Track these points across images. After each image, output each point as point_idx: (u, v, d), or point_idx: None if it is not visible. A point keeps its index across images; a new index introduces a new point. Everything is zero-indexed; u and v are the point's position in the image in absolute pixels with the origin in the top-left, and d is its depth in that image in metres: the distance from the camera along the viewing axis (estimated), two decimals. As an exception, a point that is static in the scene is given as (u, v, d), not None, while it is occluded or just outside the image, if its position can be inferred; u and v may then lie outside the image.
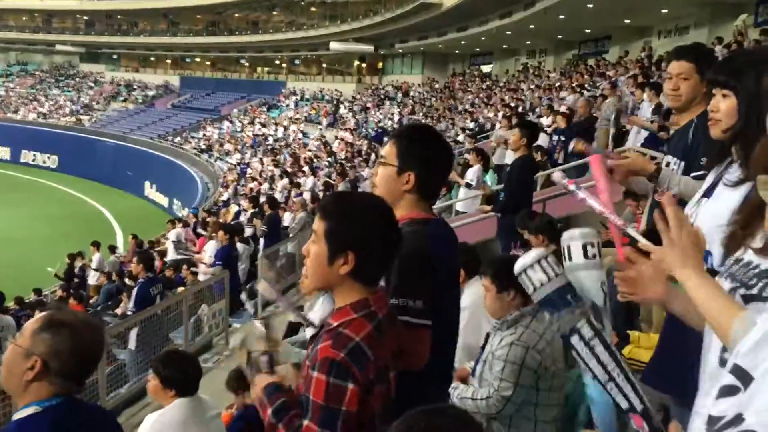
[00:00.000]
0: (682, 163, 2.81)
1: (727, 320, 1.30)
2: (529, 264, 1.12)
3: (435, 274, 2.16)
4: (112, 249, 16.52)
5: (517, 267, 1.13)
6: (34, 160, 41.45)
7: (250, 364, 2.23)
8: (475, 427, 1.23)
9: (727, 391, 1.01)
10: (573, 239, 1.15)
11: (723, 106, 1.96)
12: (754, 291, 1.36)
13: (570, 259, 1.13)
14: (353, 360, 1.73)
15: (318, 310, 4.28)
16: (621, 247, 1.44)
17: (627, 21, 23.96)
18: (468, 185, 9.54)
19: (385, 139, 3.42)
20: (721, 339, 1.36)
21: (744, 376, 0.98)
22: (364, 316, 1.82)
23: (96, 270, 14.74)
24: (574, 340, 1.08)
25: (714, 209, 1.69)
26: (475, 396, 3.00)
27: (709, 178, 2.04)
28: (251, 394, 3.11)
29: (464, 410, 1.31)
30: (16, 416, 1.90)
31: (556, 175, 1.62)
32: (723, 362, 1.41)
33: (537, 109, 16.14)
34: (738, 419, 0.93)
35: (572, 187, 1.42)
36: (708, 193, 1.96)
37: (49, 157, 41.00)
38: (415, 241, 2.12)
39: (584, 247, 1.13)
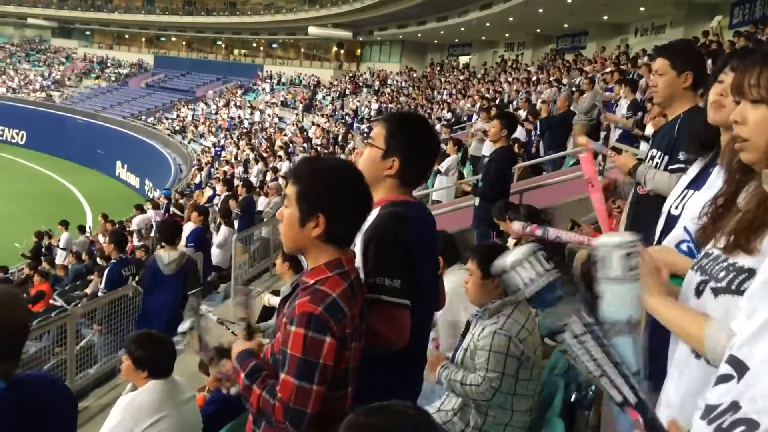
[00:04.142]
0: (666, 157, 2.84)
1: (699, 334, 1.38)
2: (519, 261, 1.09)
3: (413, 256, 2.16)
4: (81, 229, 16.28)
5: (505, 264, 1.10)
6: (2, 135, 40.49)
7: (202, 348, 2.41)
8: (415, 421, 1.24)
9: (722, 380, 1.03)
10: (614, 248, 1.14)
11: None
12: (723, 284, 1.41)
13: (608, 269, 1.12)
14: (331, 314, 1.79)
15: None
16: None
17: (605, 17, 24.17)
18: (438, 171, 9.61)
19: (371, 123, 3.39)
20: (697, 350, 1.41)
21: (739, 366, 1.02)
22: (339, 275, 1.88)
23: (63, 249, 14.50)
24: (565, 336, 1.07)
25: (705, 200, 1.72)
26: (465, 381, 2.99)
27: (693, 169, 2.05)
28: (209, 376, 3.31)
29: (405, 404, 1.30)
30: None
31: (516, 226, 1.61)
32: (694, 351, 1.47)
33: (515, 102, 16.19)
34: (734, 406, 0.96)
35: (539, 232, 1.42)
36: (695, 185, 1.97)
37: (17, 133, 40.09)
38: (393, 222, 2.13)
39: (626, 257, 1.12)
